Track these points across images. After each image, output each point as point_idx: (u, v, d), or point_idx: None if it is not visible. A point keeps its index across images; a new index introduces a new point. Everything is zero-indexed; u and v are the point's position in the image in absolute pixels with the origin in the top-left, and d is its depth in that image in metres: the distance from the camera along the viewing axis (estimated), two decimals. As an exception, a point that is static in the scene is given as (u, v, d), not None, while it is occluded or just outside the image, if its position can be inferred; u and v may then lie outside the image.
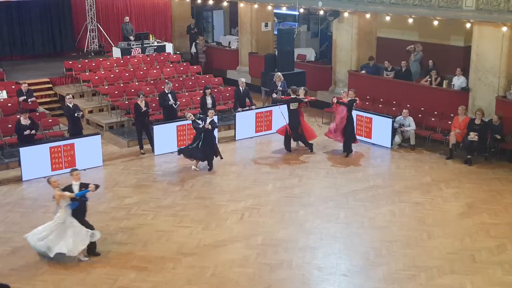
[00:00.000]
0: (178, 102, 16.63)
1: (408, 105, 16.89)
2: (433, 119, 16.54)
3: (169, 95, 16.46)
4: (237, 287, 9.43)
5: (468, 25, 16.25)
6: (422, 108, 16.87)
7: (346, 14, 18.83)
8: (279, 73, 18.19)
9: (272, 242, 10.88)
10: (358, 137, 16.18)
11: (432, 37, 19.41)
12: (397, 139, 16.13)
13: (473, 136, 14.78)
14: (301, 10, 21.09)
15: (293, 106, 15.69)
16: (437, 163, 15.10)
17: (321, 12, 19.88)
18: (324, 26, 25.95)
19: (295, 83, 18.91)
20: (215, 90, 18.81)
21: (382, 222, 11.76)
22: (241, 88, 17.39)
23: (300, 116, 15.83)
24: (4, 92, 17.54)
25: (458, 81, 16.88)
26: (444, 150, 15.71)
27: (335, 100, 15.83)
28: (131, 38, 22.47)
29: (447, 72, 17.99)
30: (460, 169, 14.64)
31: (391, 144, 16.08)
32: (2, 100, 17.14)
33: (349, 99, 15.49)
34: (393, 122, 16.01)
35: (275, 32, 22.90)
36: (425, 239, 11.05)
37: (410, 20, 17.50)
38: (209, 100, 16.69)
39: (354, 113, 16.06)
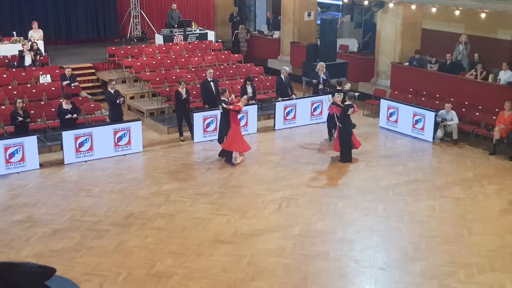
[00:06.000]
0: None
1: (452, 99, 16.57)
2: (477, 113, 16.19)
3: (211, 83, 16.46)
4: (273, 276, 9.41)
5: (517, 18, 15.85)
6: (466, 102, 16.53)
7: (391, 5, 18.52)
8: (322, 62, 17.98)
9: (309, 233, 10.83)
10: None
11: (479, 30, 18.96)
12: (439, 133, 15.85)
13: (518, 132, 14.45)
14: (345, 0, 20.86)
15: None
16: (480, 158, 14.80)
17: (366, 3, 19.61)
18: (368, 16, 25.62)
19: (337, 74, 18.75)
20: (256, 79, 18.77)
21: (421, 216, 11.58)
22: (283, 77, 17.24)
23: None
24: (48, 76, 17.83)
25: (505, 76, 16.46)
26: (488, 145, 15.38)
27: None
28: (175, 25, 22.55)
29: (493, 66, 17.56)
30: (504, 165, 14.32)
31: (433, 138, 15.81)
32: (46, 84, 17.45)
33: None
34: (435, 115, 15.74)
35: (318, 22, 22.71)
36: (465, 235, 10.84)
37: (457, 12, 17.12)
38: (249, 89, 16.66)
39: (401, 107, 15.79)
